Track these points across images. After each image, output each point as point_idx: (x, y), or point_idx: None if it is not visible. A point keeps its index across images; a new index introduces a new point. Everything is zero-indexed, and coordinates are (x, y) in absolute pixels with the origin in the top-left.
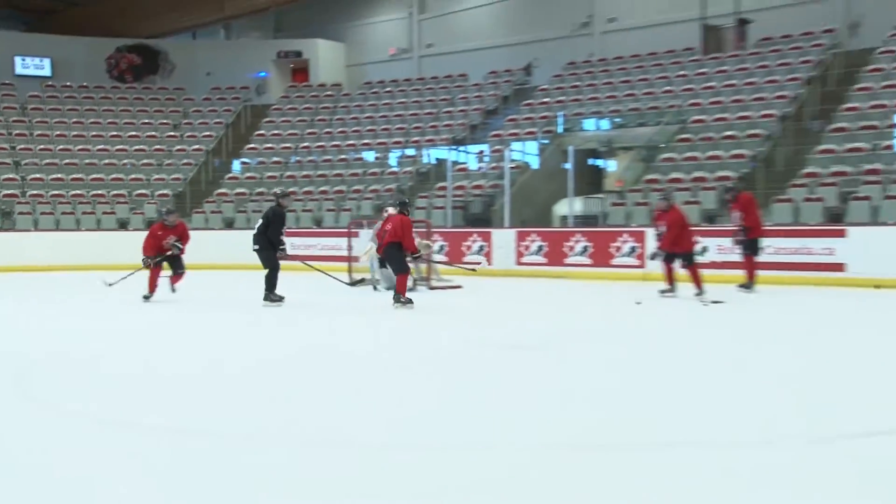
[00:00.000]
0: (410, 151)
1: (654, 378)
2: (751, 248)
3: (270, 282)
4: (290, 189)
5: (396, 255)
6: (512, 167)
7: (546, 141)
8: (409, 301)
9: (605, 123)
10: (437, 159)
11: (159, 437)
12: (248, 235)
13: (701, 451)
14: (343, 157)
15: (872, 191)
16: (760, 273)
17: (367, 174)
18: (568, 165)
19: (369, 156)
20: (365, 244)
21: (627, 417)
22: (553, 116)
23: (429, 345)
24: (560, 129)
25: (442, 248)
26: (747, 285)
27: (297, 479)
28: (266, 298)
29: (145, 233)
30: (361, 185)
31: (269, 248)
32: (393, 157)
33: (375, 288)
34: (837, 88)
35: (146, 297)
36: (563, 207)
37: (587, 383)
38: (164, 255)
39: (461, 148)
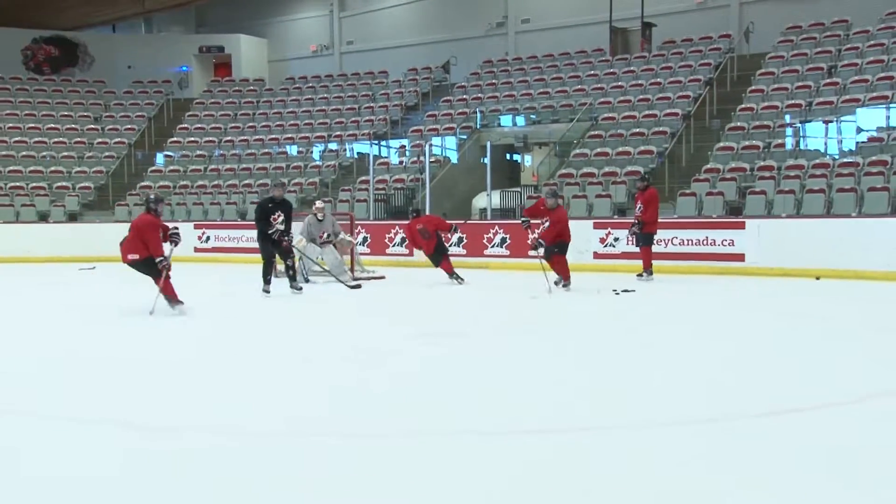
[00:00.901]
0: (333, 146)
1: (567, 365)
2: (645, 240)
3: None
4: (215, 182)
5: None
6: (432, 161)
7: (465, 136)
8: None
9: (520, 120)
10: (359, 153)
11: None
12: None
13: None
14: (266, 150)
15: (767, 185)
16: (669, 263)
17: (291, 168)
18: (486, 160)
19: (292, 150)
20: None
21: (534, 405)
22: (471, 112)
23: (347, 336)
24: (478, 125)
25: (365, 239)
26: (645, 273)
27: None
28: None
29: (68, 225)
30: (285, 178)
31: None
32: (316, 151)
33: (307, 280)
34: (734, 90)
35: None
36: (481, 200)
37: (494, 371)
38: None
39: (382, 142)
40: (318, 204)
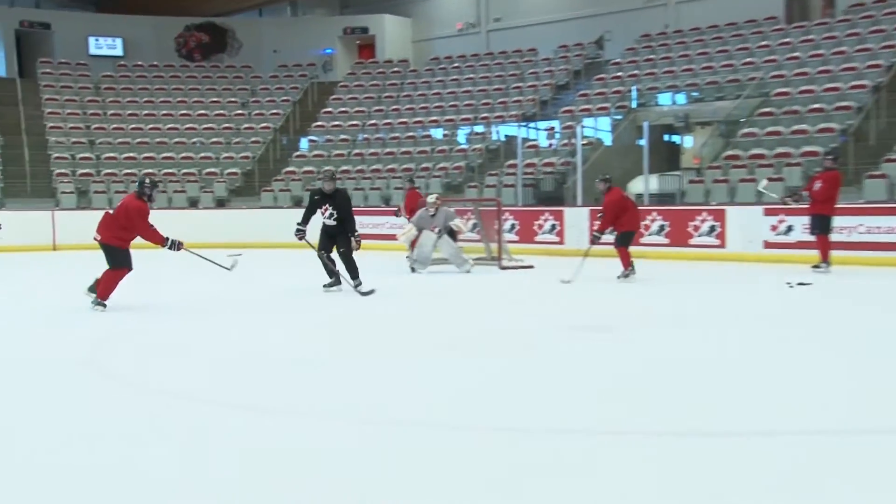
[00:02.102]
0: (479, 128)
1: (713, 367)
2: (822, 227)
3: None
4: (359, 167)
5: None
6: (584, 144)
7: (619, 116)
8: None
9: (681, 98)
10: (507, 136)
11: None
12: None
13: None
14: (410, 134)
15: None
16: (853, 254)
17: (436, 152)
18: (642, 142)
19: (437, 133)
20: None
21: (661, 405)
22: (626, 91)
23: (494, 325)
24: (634, 104)
25: (512, 227)
26: (823, 265)
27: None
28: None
29: (216, 211)
30: (429, 163)
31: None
32: (461, 135)
33: (413, 270)
34: None
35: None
36: (637, 185)
37: (643, 368)
38: None
39: (531, 124)
40: (430, 198)
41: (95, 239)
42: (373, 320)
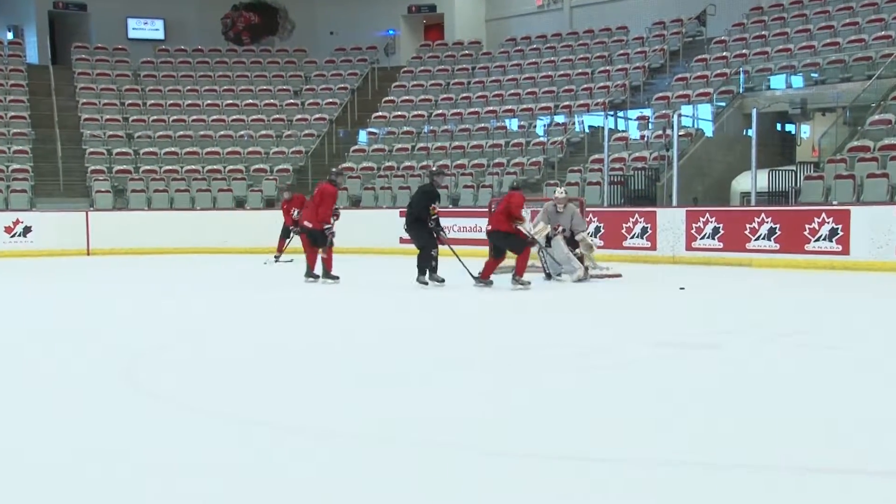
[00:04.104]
0: (560, 118)
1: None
2: None
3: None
4: (424, 163)
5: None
6: (681, 135)
7: (723, 103)
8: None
9: (797, 80)
10: (592, 127)
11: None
12: (378, 215)
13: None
14: (483, 125)
15: None
16: None
17: (511, 145)
18: (751, 132)
19: (513, 124)
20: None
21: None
22: (733, 74)
23: (575, 338)
24: (741, 89)
25: (598, 230)
26: None
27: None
28: (425, 279)
29: (265, 213)
30: (504, 157)
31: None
32: (540, 126)
33: (549, 276)
34: None
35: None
36: (744, 182)
37: (748, 391)
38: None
39: (620, 113)
40: (558, 193)
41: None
42: (442, 332)
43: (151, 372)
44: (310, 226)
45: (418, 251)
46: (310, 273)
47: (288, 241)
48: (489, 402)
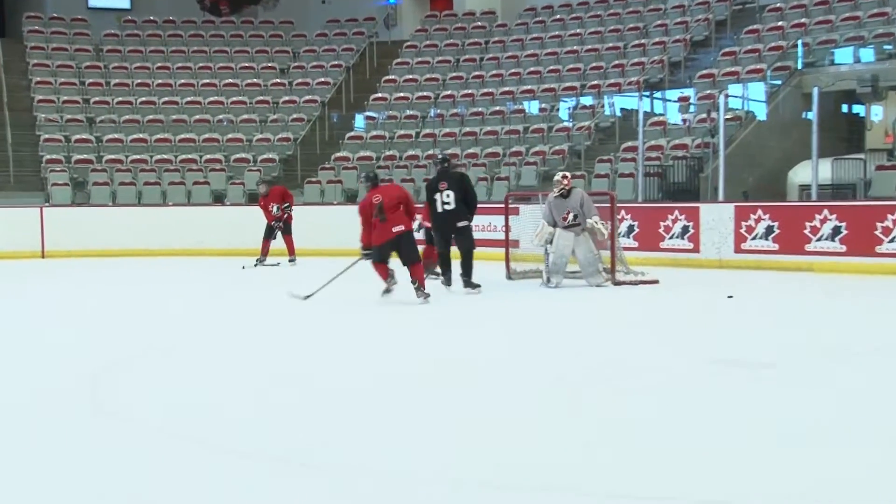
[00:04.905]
0: (587, 100)
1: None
2: None
3: (470, 263)
4: (430, 152)
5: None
6: (728, 119)
7: (778, 81)
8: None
9: (867, 54)
10: (624, 110)
11: (243, 463)
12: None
13: None
14: (498, 109)
15: None
16: None
17: (530, 131)
18: (810, 114)
19: (532, 107)
20: (528, 224)
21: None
22: (789, 46)
23: (608, 356)
24: (799, 65)
25: (630, 229)
26: None
27: None
28: (469, 285)
29: (247, 209)
30: (522, 145)
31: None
32: (564, 109)
33: (548, 282)
34: None
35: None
36: (803, 173)
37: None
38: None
39: (657, 94)
40: (558, 176)
41: (398, 233)
42: (460, 347)
43: (116, 390)
44: (428, 225)
45: (463, 253)
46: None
47: (271, 241)
48: (550, 439)
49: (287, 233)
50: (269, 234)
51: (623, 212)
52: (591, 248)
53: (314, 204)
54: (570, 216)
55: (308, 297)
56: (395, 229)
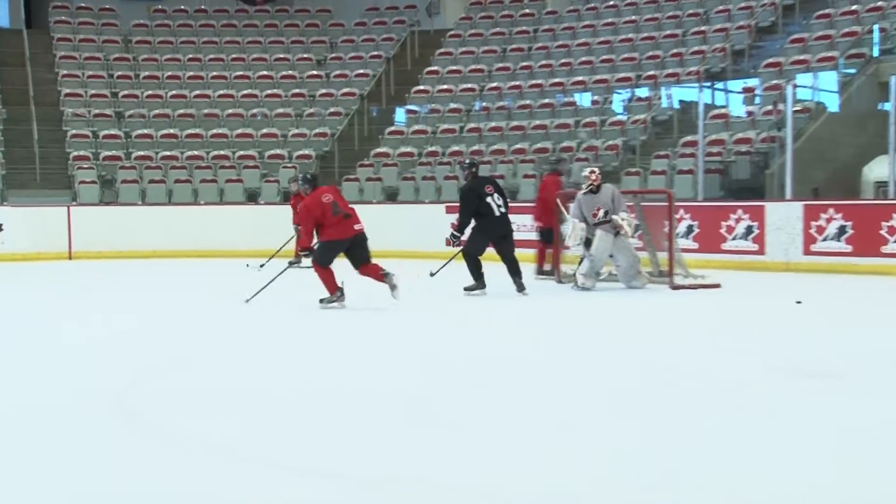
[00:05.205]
0: (643, 92)
1: None
2: None
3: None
4: (475, 147)
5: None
6: (797, 111)
7: (852, 70)
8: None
9: None
10: (683, 102)
11: (281, 477)
12: (420, 211)
13: None
14: (547, 101)
15: None
16: None
17: (582, 125)
18: (888, 105)
19: (584, 99)
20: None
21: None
22: (865, 32)
23: (666, 363)
24: (875, 52)
25: (690, 229)
26: None
27: None
28: (523, 287)
29: (283, 208)
30: (573, 141)
31: None
32: (617, 101)
33: (580, 286)
34: None
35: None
36: (879, 169)
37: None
38: None
39: (719, 85)
40: (586, 171)
41: (359, 230)
42: (511, 350)
43: (146, 402)
44: (540, 225)
45: (510, 259)
46: (540, 272)
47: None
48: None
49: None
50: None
51: (682, 211)
52: (633, 253)
53: (352, 203)
54: (601, 213)
55: (248, 300)
56: (357, 227)
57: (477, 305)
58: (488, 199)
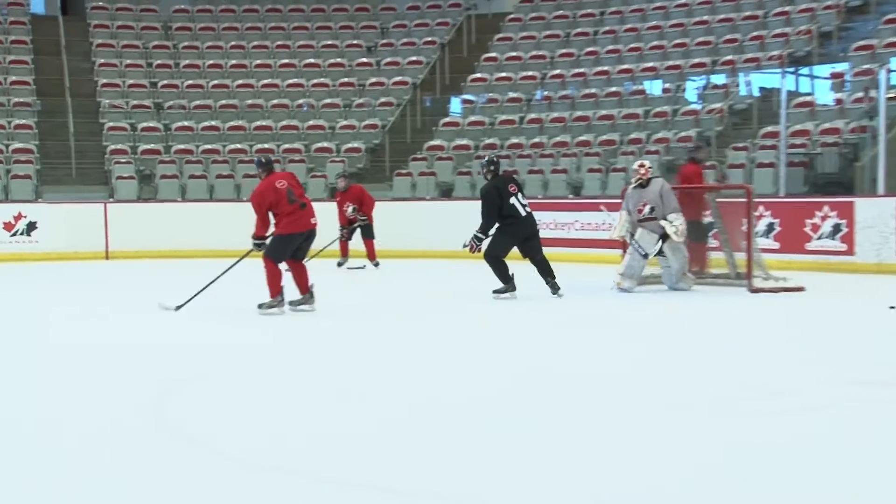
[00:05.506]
0: (720, 79)
1: None
2: None
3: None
4: (535, 140)
5: None
6: (890, 98)
7: None
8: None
9: None
10: (763, 90)
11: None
12: (478, 208)
13: None
14: (614, 90)
15: None
16: None
17: (652, 115)
18: None
19: (655, 87)
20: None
21: None
22: None
23: (743, 377)
24: None
25: (770, 227)
26: None
27: None
28: (557, 289)
29: (329, 204)
30: (642, 132)
31: None
32: (691, 89)
33: (621, 287)
34: None
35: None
36: None
37: None
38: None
39: (803, 70)
40: (635, 165)
41: (315, 225)
42: (559, 371)
43: (186, 409)
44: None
45: (539, 260)
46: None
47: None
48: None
49: (368, 236)
50: (349, 235)
51: (762, 208)
52: (685, 254)
53: (404, 199)
54: (647, 208)
55: (179, 307)
56: (313, 220)
57: (530, 307)
58: (512, 200)
